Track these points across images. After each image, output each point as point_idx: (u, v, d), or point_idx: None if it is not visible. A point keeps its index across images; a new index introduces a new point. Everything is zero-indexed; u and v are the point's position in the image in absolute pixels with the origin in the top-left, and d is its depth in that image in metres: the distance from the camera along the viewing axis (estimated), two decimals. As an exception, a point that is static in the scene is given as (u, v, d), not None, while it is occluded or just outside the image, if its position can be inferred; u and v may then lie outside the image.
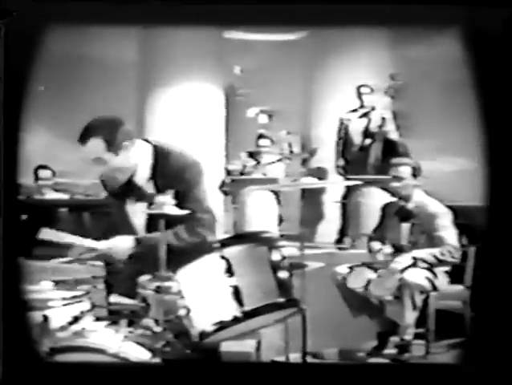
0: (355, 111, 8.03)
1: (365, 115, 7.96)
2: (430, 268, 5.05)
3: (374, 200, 6.96)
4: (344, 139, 7.94)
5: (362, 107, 7.95)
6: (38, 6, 3.39)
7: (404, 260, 5.06)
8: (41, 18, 3.39)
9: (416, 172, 5.16)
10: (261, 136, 8.20)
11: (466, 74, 3.37)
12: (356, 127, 7.94)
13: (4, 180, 3.32)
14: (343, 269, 5.13)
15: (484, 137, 3.38)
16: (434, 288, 5.06)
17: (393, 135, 7.81)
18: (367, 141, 7.85)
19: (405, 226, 5.18)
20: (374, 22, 3.78)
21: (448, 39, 3.48)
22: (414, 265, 5.03)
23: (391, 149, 7.70)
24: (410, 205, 5.17)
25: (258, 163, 7.99)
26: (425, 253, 5.09)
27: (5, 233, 3.32)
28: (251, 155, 8.09)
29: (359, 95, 7.93)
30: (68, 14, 3.47)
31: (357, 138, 7.92)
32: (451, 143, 7.40)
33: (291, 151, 8.05)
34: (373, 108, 7.89)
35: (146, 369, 3.17)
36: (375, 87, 7.89)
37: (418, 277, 5.08)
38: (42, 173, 7.36)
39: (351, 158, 7.88)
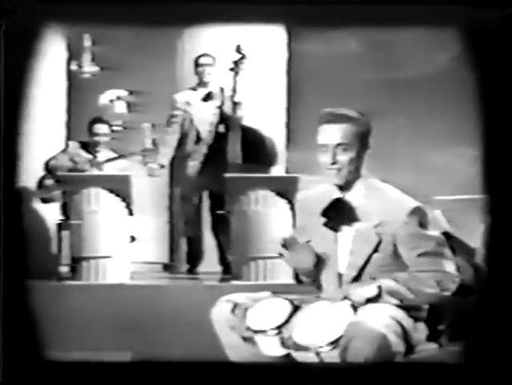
0: (193, 90, 6.47)
1: (209, 96, 6.43)
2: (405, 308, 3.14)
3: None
4: (184, 131, 6.39)
5: (201, 84, 6.44)
6: (38, 5, 3.52)
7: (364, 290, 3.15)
8: (41, 16, 3.54)
9: None
10: (97, 121, 6.38)
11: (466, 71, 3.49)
12: (202, 115, 6.40)
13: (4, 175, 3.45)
14: None
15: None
16: (408, 347, 3.10)
17: (249, 122, 6.37)
18: (220, 131, 6.34)
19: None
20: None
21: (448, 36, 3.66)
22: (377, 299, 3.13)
23: (253, 143, 6.35)
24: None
25: (95, 158, 6.24)
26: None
27: (5, 232, 3.40)
28: (84, 146, 6.33)
29: (198, 67, 6.42)
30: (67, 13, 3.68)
31: (204, 128, 6.40)
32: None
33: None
34: (222, 89, 6.40)
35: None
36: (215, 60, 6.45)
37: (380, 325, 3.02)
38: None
39: (197, 158, 6.34)
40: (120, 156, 6.32)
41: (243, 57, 6.35)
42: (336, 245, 3.26)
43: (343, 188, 3.24)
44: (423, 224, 3.17)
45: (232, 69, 6.35)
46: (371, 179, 3.26)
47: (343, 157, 3.19)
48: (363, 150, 3.22)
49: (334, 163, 3.19)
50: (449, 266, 3.18)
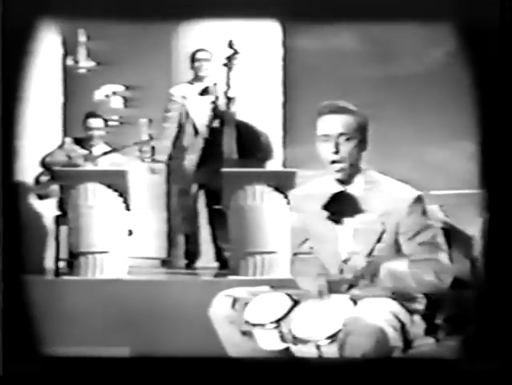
0: (190, 84, 6.48)
1: (206, 91, 6.42)
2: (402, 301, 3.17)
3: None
4: (181, 125, 6.36)
5: (197, 79, 6.44)
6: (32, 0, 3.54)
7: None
8: (35, 12, 3.53)
9: None
10: (90, 115, 6.39)
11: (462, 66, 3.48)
12: (198, 109, 6.39)
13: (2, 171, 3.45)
14: None
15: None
16: (406, 341, 3.12)
17: (243, 117, 6.35)
18: (215, 126, 6.31)
19: None
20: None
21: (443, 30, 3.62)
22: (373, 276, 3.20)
23: (248, 138, 6.33)
24: None
25: (90, 152, 6.24)
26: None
27: (5, 227, 3.38)
28: (79, 141, 6.33)
29: (195, 62, 6.42)
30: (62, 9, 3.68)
31: (200, 122, 6.38)
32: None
33: (153, 148, 6.31)
34: (215, 84, 6.39)
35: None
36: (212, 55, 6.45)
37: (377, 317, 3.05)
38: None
39: (194, 151, 6.32)
40: (114, 150, 6.32)
41: (236, 52, 6.35)
42: (337, 238, 3.28)
43: (344, 181, 3.24)
44: (425, 213, 3.20)
45: (225, 64, 6.35)
46: (370, 171, 3.26)
47: (346, 147, 3.18)
48: (363, 143, 3.22)
49: (336, 152, 3.17)
50: (444, 258, 3.20)
